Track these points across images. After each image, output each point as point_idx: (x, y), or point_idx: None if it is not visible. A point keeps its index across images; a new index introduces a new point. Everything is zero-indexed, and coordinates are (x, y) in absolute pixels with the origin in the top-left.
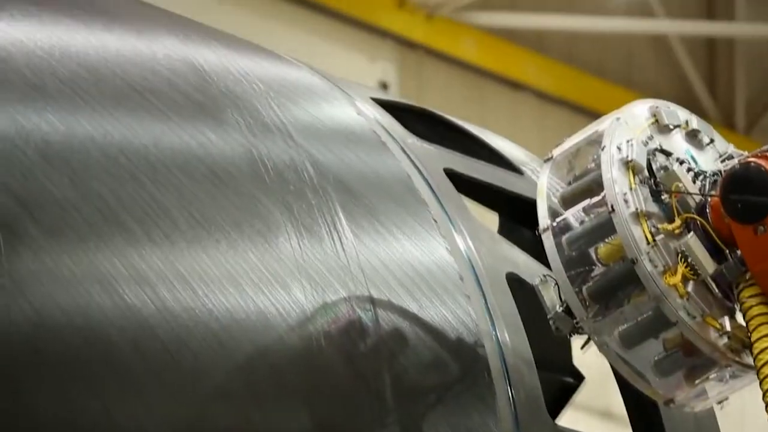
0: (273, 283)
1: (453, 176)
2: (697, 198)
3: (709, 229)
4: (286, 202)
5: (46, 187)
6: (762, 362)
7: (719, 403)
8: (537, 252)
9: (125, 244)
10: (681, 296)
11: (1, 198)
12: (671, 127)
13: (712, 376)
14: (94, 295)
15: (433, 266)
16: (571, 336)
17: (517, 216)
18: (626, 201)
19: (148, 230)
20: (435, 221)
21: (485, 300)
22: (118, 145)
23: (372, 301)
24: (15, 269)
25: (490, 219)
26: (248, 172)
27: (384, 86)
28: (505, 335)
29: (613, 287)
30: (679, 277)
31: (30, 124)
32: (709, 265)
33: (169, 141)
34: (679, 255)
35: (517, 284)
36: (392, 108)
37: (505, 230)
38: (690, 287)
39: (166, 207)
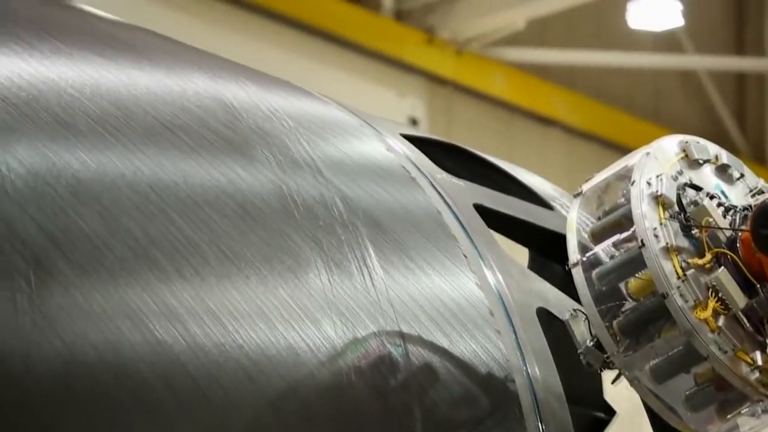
0: (303, 318)
1: (483, 211)
2: (728, 232)
3: (740, 264)
4: (316, 238)
5: (77, 223)
6: None
7: None
8: (567, 287)
9: (156, 280)
10: (712, 331)
11: (32, 234)
12: (701, 161)
13: (744, 410)
14: (124, 331)
15: (463, 301)
16: (601, 370)
17: (547, 251)
18: (656, 236)
19: (179, 266)
20: (465, 256)
21: (515, 335)
22: (148, 181)
23: (402, 336)
24: (46, 305)
25: (521, 253)
26: (278, 208)
27: (413, 122)
28: (535, 370)
29: (644, 322)
30: (710, 311)
31: (61, 161)
32: (740, 299)
33: (199, 177)
34: (710, 289)
35: (547, 319)
36: (422, 143)
37: (535, 265)
38: (721, 321)
39: (196, 243)
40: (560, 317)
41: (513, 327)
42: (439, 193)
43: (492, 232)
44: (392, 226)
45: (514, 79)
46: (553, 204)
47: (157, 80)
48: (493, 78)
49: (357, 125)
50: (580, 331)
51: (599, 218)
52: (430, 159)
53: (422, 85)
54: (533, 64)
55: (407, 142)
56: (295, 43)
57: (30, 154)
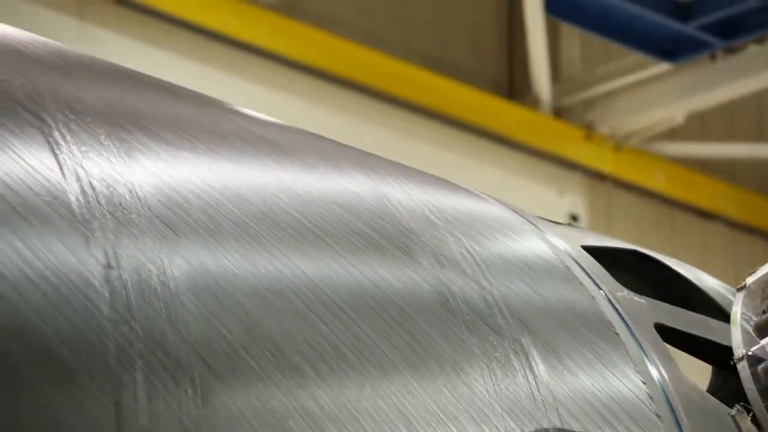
0: (463, 420)
1: (663, 330)
2: None
3: None
4: (477, 340)
5: (219, 330)
6: None
7: None
8: None
9: (296, 385)
10: None
11: (176, 343)
12: None
13: None
14: None
15: (628, 401)
16: None
17: (730, 366)
18: None
19: (321, 370)
20: (630, 356)
21: None
22: (291, 285)
23: None
24: (187, 413)
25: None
26: (436, 309)
27: (573, 218)
28: None
29: None
30: None
31: (203, 267)
32: None
33: (346, 279)
34: None
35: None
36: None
37: (719, 379)
38: None
39: (337, 345)
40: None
41: (680, 427)
42: (602, 290)
43: (668, 347)
44: (554, 325)
45: (674, 174)
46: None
47: (303, 180)
48: (652, 173)
49: (517, 223)
50: (747, 427)
51: (764, 311)
52: (602, 264)
53: (581, 181)
54: (693, 158)
55: (568, 239)
56: (453, 140)
57: (176, 262)
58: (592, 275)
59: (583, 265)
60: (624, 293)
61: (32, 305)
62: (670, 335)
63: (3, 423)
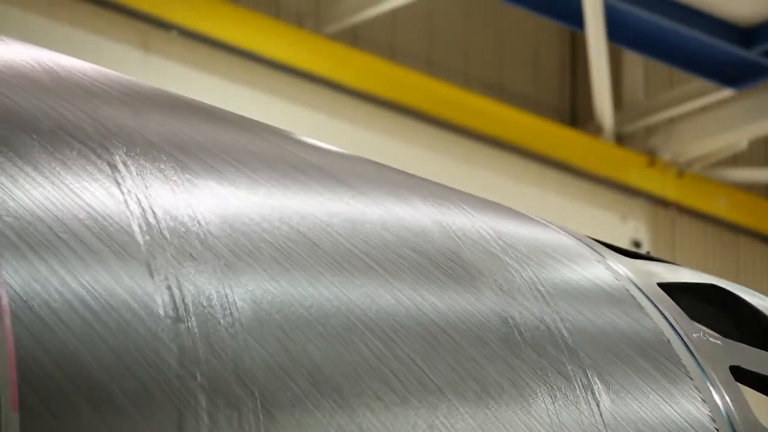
0: None
1: (739, 371)
2: None
3: None
4: (540, 365)
5: (260, 353)
6: None
7: None
8: None
9: (336, 408)
10: None
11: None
12: None
13: None
14: None
15: (692, 429)
16: None
17: None
18: None
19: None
20: (695, 384)
21: None
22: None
23: None
24: None
25: None
26: (501, 334)
27: (636, 245)
28: None
29: None
30: None
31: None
32: None
33: (418, 305)
34: None
35: None
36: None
37: None
38: None
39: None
40: None
41: None
42: (664, 316)
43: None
44: (616, 351)
45: (738, 200)
46: None
47: (365, 210)
48: (716, 198)
49: (580, 249)
50: None
51: None
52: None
53: (644, 207)
54: (757, 183)
55: (629, 264)
56: (516, 168)
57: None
58: (667, 315)
59: (658, 305)
60: (699, 334)
61: (94, 334)
62: (746, 376)
63: None
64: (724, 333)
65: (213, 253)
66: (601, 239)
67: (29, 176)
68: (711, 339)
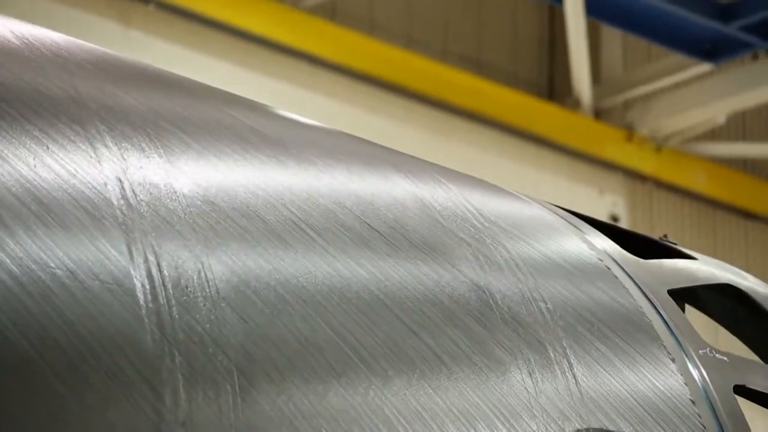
0: (506, 420)
1: (744, 390)
2: None
3: None
4: (518, 340)
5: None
6: None
7: None
8: None
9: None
10: None
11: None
12: None
13: None
14: None
15: (667, 400)
16: None
17: None
18: None
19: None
20: (670, 355)
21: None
22: (339, 284)
23: None
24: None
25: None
26: (478, 308)
27: (614, 219)
28: None
29: None
30: None
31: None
32: None
33: (395, 279)
34: None
35: None
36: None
37: None
38: None
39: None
40: None
41: (720, 425)
42: (641, 290)
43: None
44: (595, 326)
45: (716, 174)
46: None
47: (342, 182)
48: (693, 173)
49: (558, 223)
50: None
51: None
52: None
53: (622, 182)
54: (734, 157)
55: (609, 239)
56: (494, 142)
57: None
58: (646, 291)
59: (636, 280)
60: (706, 351)
61: (72, 305)
62: (752, 394)
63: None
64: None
65: (192, 225)
66: (579, 213)
67: (3, 148)
68: (717, 356)
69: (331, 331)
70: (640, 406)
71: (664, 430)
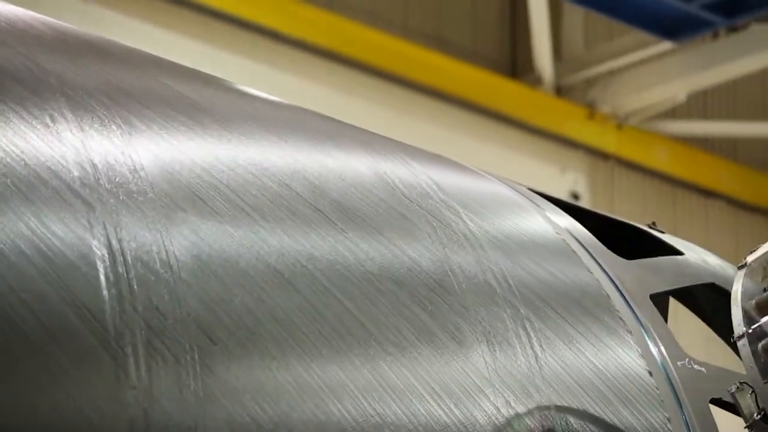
0: (466, 395)
1: (721, 403)
2: None
3: None
4: (478, 315)
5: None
6: None
7: None
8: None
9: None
10: None
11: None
12: None
13: None
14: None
15: (627, 377)
16: None
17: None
18: None
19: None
20: (629, 331)
21: (681, 409)
22: (297, 257)
23: (565, 411)
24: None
25: None
26: (438, 284)
27: (575, 197)
28: None
29: None
30: None
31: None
32: None
33: (356, 253)
34: None
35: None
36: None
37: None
38: None
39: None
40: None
41: (680, 402)
42: (601, 267)
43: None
44: (554, 301)
45: (677, 152)
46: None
47: (304, 157)
48: (654, 151)
49: (519, 200)
50: (747, 404)
51: (765, 290)
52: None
53: (583, 159)
54: (695, 136)
55: (569, 216)
56: (455, 119)
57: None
58: (606, 268)
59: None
60: (685, 362)
61: (33, 276)
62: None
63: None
64: None
65: (152, 201)
66: (540, 191)
67: None
68: (695, 367)
69: (291, 303)
70: (598, 382)
71: (620, 403)
